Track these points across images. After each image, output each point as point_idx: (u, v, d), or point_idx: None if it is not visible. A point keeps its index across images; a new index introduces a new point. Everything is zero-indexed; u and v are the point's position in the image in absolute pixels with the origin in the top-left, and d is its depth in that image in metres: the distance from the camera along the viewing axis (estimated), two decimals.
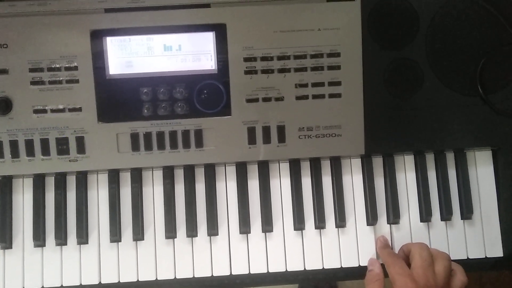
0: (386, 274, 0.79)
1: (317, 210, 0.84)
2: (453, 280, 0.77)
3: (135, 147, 0.82)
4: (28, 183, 0.84)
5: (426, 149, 0.86)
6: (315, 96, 0.82)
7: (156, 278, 0.83)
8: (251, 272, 0.84)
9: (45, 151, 0.81)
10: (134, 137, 0.82)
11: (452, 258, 0.83)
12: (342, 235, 0.85)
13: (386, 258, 0.79)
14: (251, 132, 0.82)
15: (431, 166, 0.87)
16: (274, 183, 0.86)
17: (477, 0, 0.84)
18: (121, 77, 0.81)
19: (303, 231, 0.85)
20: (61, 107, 0.81)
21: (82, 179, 0.84)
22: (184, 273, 0.83)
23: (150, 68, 0.82)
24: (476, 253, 0.85)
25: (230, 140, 0.82)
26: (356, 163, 0.87)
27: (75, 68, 0.80)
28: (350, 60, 0.82)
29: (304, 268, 0.84)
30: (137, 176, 0.84)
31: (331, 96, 0.83)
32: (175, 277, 0.83)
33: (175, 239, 0.84)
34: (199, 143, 0.82)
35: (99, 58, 0.81)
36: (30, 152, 0.81)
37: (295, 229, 0.85)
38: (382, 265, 0.82)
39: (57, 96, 0.81)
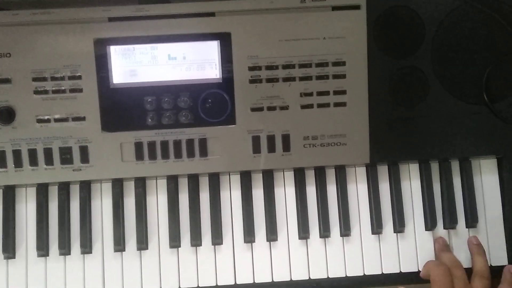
0: None
1: (322, 219, 0.84)
2: None
3: (139, 156, 0.81)
4: (32, 192, 0.83)
5: (431, 158, 0.86)
6: (320, 105, 0.82)
7: None
8: (256, 281, 0.83)
9: (49, 160, 0.81)
10: (138, 146, 0.81)
11: None
12: (347, 244, 0.85)
13: (433, 275, 0.77)
14: (256, 141, 0.82)
15: (436, 175, 0.87)
16: (278, 192, 0.85)
17: (483, 9, 0.83)
18: (125, 86, 0.81)
19: (308, 240, 0.84)
20: (64, 116, 0.80)
21: (86, 188, 0.83)
22: (188, 282, 0.83)
23: (154, 77, 0.81)
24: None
25: (235, 149, 0.82)
26: (361, 171, 0.86)
27: (79, 77, 0.80)
28: (355, 68, 0.82)
29: (309, 277, 0.84)
30: (141, 185, 0.84)
31: (336, 105, 0.82)
32: (179, 286, 0.83)
33: (179, 248, 0.83)
34: (204, 152, 0.82)
35: (103, 67, 0.80)
36: (34, 161, 0.81)
37: (299, 238, 0.84)
38: None
39: (61, 105, 0.80)
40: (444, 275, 0.76)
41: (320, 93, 0.82)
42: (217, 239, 0.83)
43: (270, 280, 0.83)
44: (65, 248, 0.82)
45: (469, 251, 0.84)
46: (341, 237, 0.85)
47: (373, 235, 0.85)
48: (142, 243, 0.82)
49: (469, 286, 0.77)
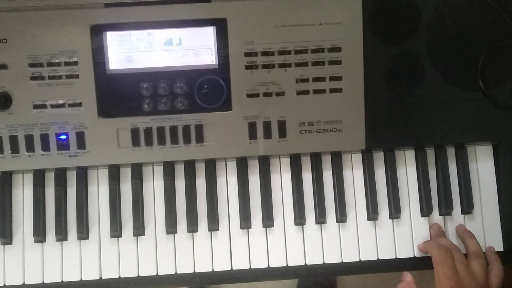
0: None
1: (317, 205, 0.84)
2: (490, 276, 0.78)
3: (135, 142, 0.82)
4: (28, 178, 0.84)
5: (426, 144, 0.86)
6: (316, 91, 0.82)
7: (157, 273, 0.83)
8: (252, 267, 0.84)
9: (45, 146, 0.81)
10: (135, 132, 0.81)
11: None
12: (343, 230, 0.85)
13: (436, 254, 0.78)
14: (252, 127, 0.82)
15: (432, 161, 0.87)
16: (275, 178, 0.85)
17: None
18: (121, 72, 0.81)
19: (304, 226, 0.85)
20: (61, 102, 0.81)
21: (82, 174, 0.83)
22: (184, 268, 0.83)
23: (151, 63, 0.81)
24: None
25: (231, 135, 0.82)
26: (357, 158, 0.86)
27: (75, 63, 0.80)
28: (351, 54, 0.82)
29: (305, 263, 0.84)
30: (137, 172, 0.84)
31: (332, 91, 0.82)
32: (175, 272, 0.83)
33: (175, 234, 0.84)
34: (200, 138, 0.82)
35: (99, 53, 0.80)
36: (30, 147, 0.81)
37: (295, 224, 0.85)
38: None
39: (57, 91, 0.80)
40: (447, 255, 0.77)
41: (316, 79, 0.82)
42: (213, 225, 0.83)
43: (266, 266, 0.84)
44: (61, 234, 0.82)
45: (460, 238, 0.85)
46: (337, 223, 0.85)
47: (369, 221, 0.85)
48: (139, 229, 0.83)
49: (469, 267, 0.78)
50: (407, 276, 0.82)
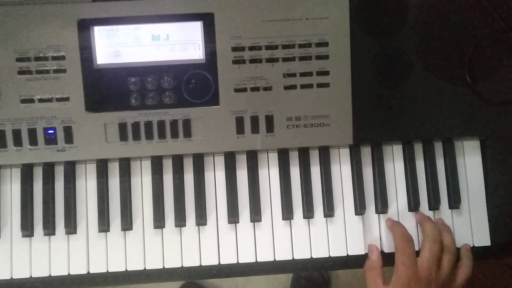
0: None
1: (305, 199, 0.84)
2: (457, 272, 0.79)
3: (123, 137, 0.82)
4: (16, 173, 0.84)
5: (414, 139, 0.86)
6: (303, 86, 0.82)
7: (145, 268, 0.83)
8: (240, 262, 0.84)
9: (33, 141, 0.81)
10: (122, 127, 0.81)
11: None
12: (331, 224, 0.85)
13: (397, 241, 0.79)
14: (240, 121, 0.82)
15: (419, 156, 0.87)
16: (262, 173, 0.85)
17: None
18: (108, 67, 0.81)
19: (292, 220, 0.85)
20: (48, 96, 0.81)
21: (70, 169, 0.83)
22: (172, 262, 0.83)
23: (138, 57, 0.81)
24: (464, 242, 0.85)
25: (219, 130, 0.82)
26: (345, 152, 0.87)
27: (63, 57, 0.80)
28: (338, 49, 0.82)
29: (293, 258, 0.84)
30: (125, 166, 0.84)
31: (319, 85, 0.82)
32: (163, 266, 0.83)
33: (163, 228, 0.84)
34: (187, 133, 0.82)
35: (86, 48, 0.80)
36: (18, 142, 0.81)
37: (283, 219, 0.85)
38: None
39: (45, 86, 0.80)
40: (408, 243, 0.78)
41: (303, 74, 0.82)
42: (201, 219, 0.83)
43: (254, 261, 0.84)
44: (49, 229, 0.82)
45: None
46: (325, 218, 0.85)
47: (356, 216, 0.85)
48: (127, 224, 0.83)
49: (439, 261, 0.79)
50: (373, 254, 0.82)
